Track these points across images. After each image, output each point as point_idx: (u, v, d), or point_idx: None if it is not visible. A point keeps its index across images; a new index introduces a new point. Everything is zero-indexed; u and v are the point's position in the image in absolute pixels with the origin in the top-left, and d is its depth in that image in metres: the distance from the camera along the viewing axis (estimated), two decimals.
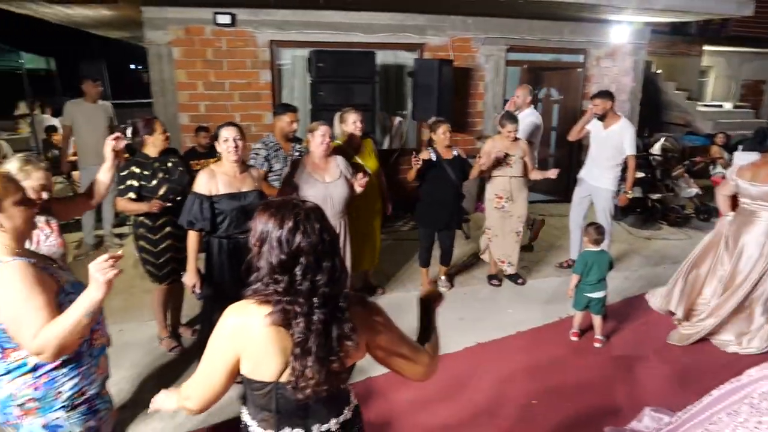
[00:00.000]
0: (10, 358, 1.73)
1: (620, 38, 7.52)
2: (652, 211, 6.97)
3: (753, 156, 4.29)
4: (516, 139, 4.71)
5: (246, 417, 1.56)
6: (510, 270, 4.95)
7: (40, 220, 2.42)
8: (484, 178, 4.83)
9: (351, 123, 4.22)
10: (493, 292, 4.90)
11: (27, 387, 1.74)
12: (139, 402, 3.25)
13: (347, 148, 4.27)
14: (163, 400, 1.69)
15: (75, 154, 6.05)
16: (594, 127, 5.07)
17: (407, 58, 6.97)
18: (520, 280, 5.02)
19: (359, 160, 4.34)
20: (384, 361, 1.57)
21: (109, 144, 2.69)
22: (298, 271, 1.36)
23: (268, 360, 1.39)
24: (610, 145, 4.95)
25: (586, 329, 4.04)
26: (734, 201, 4.04)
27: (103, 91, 6.08)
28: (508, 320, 4.32)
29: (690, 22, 11.01)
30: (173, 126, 5.99)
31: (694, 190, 6.93)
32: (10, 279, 1.63)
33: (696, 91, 12.59)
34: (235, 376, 1.46)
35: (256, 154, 4.10)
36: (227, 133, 3.12)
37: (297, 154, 4.13)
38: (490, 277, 5.04)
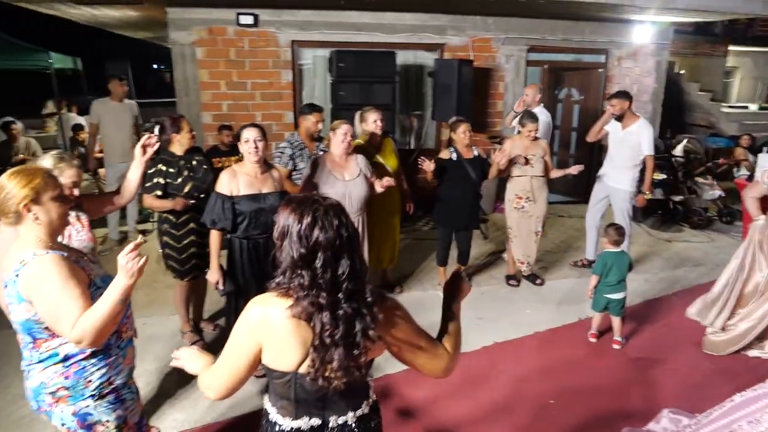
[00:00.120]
0: (42, 348, 1.79)
1: (642, 38, 7.45)
2: (674, 213, 6.89)
3: None
4: (536, 138, 4.71)
5: (267, 404, 1.60)
6: (527, 270, 4.95)
7: (71, 215, 2.49)
8: (504, 178, 4.83)
9: (372, 122, 4.25)
10: (511, 292, 4.90)
11: (58, 376, 1.80)
12: (161, 394, 3.34)
13: (368, 147, 4.32)
14: (187, 358, 1.69)
15: (101, 152, 6.19)
16: (612, 127, 5.05)
17: (427, 58, 6.98)
18: (538, 281, 5.01)
19: (380, 159, 4.38)
20: (402, 356, 1.57)
21: (141, 143, 2.72)
22: (318, 264, 1.38)
23: (289, 351, 1.42)
24: (627, 145, 4.93)
25: (605, 331, 4.03)
26: (763, 204, 3.96)
27: (129, 90, 6.21)
28: (526, 320, 4.32)
29: (715, 22, 10.83)
30: (196, 125, 6.09)
31: (717, 193, 6.83)
32: (46, 271, 1.68)
33: (720, 92, 12.38)
34: (255, 366, 1.50)
35: (281, 152, 4.16)
36: (248, 134, 3.16)
37: (321, 153, 4.19)
38: (509, 278, 5.04)
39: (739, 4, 6.48)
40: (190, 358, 1.67)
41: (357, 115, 4.42)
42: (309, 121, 4.23)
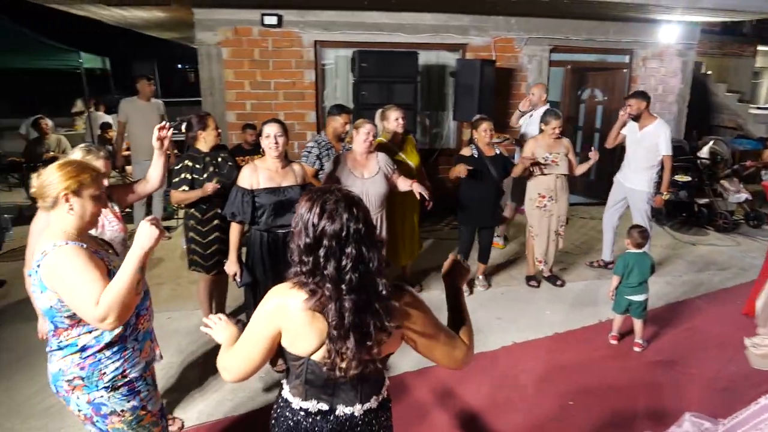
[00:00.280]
0: (62, 337, 1.85)
1: (668, 38, 7.35)
2: (699, 216, 6.79)
3: None
4: (559, 136, 4.69)
5: (284, 381, 1.67)
6: (545, 269, 4.93)
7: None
8: (525, 177, 4.82)
9: (393, 120, 4.28)
10: (531, 293, 4.88)
11: (74, 366, 1.85)
12: (184, 386, 3.41)
13: (391, 145, 4.35)
14: (217, 327, 1.72)
15: (128, 150, 6.33)
16: (629, 128, 5.05)
17: (449, 58, 6.99)
18: (559, 282, 4.99)
19: (403, 156, 4.40)
20: (420, 349, 1.59)
21: (155, 136, 2.76)
22: (321, 253, 1.41)
23: (305, 338, 1.47)
24: (644, 146, 4.92)
25: (626, 333, 3.99)
26: None
27: (155, 89, 6.34)
28: (546, 321, 4.31)
29: (743, 22, 10.62)
30: (221, 123, 6.15)
31: (744, 196, 6.70)
32: (64, 260, 1.73)
33: (748, 93, 12.12)
34: (272, 352, 1.54)
35: (308, 152, 4.23)
36: (269, 130, 3.21)
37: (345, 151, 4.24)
38: (529, 278, 5.03)
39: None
40: (218, 327, 1.71)
41: (378, 113, 4.45)
42: (337, 122, 4.30)
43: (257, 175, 3.25)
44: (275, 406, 1.69)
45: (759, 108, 11.88)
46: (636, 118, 4.92)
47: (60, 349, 1.87)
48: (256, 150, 5.38)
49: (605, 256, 5.40)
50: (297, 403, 1.59)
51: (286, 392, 1.64)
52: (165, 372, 3.56)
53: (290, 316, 1.47)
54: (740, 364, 3.69)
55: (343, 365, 1.44)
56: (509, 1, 5.89)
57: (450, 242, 6.03)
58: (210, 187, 3.48)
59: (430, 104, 7.21)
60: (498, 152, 4.55)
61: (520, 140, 5.74)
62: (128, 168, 6.77)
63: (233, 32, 6.27)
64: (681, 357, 3.80)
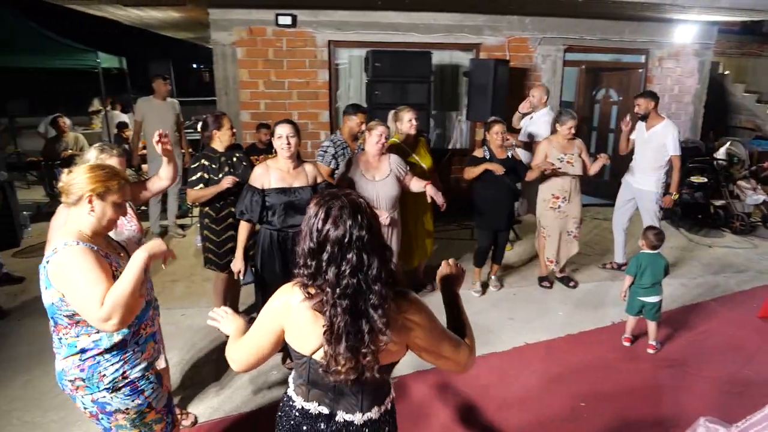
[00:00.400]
0: (61, 334, 1.87)
1: (685, 38, 7.27)
2: (715, 217, 6.71)
3: None
4: (573, 137, 4.67)
5: (290, 379, 1.70)
6: (556, 269, 4.91)
7: None
8: (539, 179, 4.79)
9: (407, 121, 4.29)
10: (544, 294, 4.86)
11: (75, 367, 1.88)
12: (197, 383, 3.45)
13: (404, 146, 4.36)
14: (224, 319, 1.77)
15: (144, 149, 6.41)
16: (637, 129, 5.06)
17: (463, 58, 6.98)
18: (572, 284, 4.96)
19: (416, 158, 4.41)
20: (424, 357, 1.59)
21: (155, 141, 2.75)
22: (324, 258, 1.42)
23: (307, 337, 1.49)
24: (652, 146, 4.93)
25: (640, 335, 3.97)
26: None
27: (171, 89, 6.41)
28: (558, 322, 4.29)
29: (762, 21, 10.45)
30: (235, 123, 6.18)
31: (761, 197, 6.61)
32: (72, 260, 1.76)
33: (767, 93, 11.92)
34: (277, 347, 1.59)
35: (324, 151, 4.26)
36: (281, 130, 3.23)
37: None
38: (541, 279, 5.01)
39: None
40: (225, 320, 1.77)
41: (391, 114, 4.46)
42: (353, 122, 4.33)
43: (269, 175, 3.27)
44: (281, 404, 1.71)
45: None
46: (644, 118, 4.94)
47: (61, 347, 1.90)
48: (270, 149, 5.41)
49: (618, 257, 5.36)
50: (299, 402, 1.61)
51: (290, 390, 1.67)
52: (179, 368, 3.61)
53: (294, 314, 1.50)
54: (756, 368, 3.66)
55: (338, 368, 1.45)
56: (523, 1, 5.87)
57: (462, 242, 6.03)
58: (229, 180, 3.52)
59: (443, 104, 7.21)
60: (510, 155, 4.53)
61: (530, 143, 5.71)
62: (144, 166, 6.85)
63: (248, 32, 6.32)
64: (695, 360, 3.76)
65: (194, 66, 22.00)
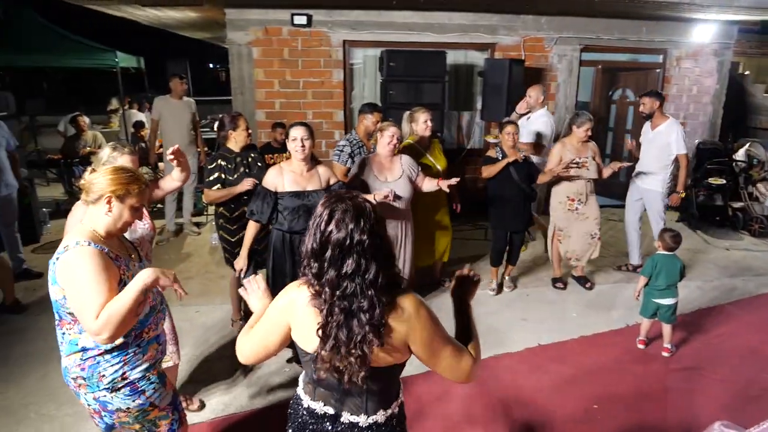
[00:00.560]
0: (65, 328, 1.90)
1: (703, 37, 7.17)
2: (733, 220, 6.61)
3: None
4: (587, 139, 4.63)
5: (300, 377, 1.72)
6: (576, 265, 4.87)
7: None
8: (554, 182, 4.75)
9: (422, 122, 4.29)
10: (558, 295, 4.83)
11: (76, 366, 1.90)
12: (210, 379, 3.49)
13: (418, 147, 4.36)
14: (254, 294, 1.75)
15: (161, 147, 6.48)
16: (643, 129, 5.09)
17: (477, 58, 6.95)
18: (588, 285, 4.92)
19: (431, 159, 4.41)
20: (425, 362, 1.57)
21: (170, 154, 2.77)
22: (325, 258, 1.45)
23: (309, 335, 1.51)
24: (656, 145, 4.94)
25: (654, 338, 3.92)
26: None
27: (187, 88, 6.48)
28: (572, 324, 4.26)
29: None
30: (250, 122, 6.25)
31: None
32: (80, 261, 1.77)
33: None
34: (283, 343, 1.61)
35: (341, 150, 4.28)
36: (296, 133, 3.25)
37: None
38: (555, 280, 4.98)
39: None
40: (255, 295, 1.75)
41: (406, 116, 4.46)
42: (369, 121, 4.35)
43: (282, 178, 3.30)
44: (291, 401, 1.74)
45: None
46: (649, 117, 4.98)
47: (63, 343, 1.92)
48: (284, 148, 5.43)
49: (633, 259, 5.32)
50: (306, 401, 1.63)
51: (299, 388, 1.69)
52: (191, 364, 3.65)
53: (299, 312, 1.53)
54: None
55: (325, 366, 1.47)
56: (539, 0, 5.84)
57: (475, 242, 6.02)
58: (248, 182, 3.55)
59: (457, 104, 7.18)
60: (523, 156, 4.51)
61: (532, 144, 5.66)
62: (161, 164, 6.93)
63: (264, 32, 6.36)
64: (711, 363, 3.71)
65: (210, 65, 22.21)
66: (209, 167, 3.65)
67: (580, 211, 4.69)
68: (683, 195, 5.06)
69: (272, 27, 6.36)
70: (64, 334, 1.91)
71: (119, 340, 1.88)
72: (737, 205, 6.57)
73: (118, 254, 1.93)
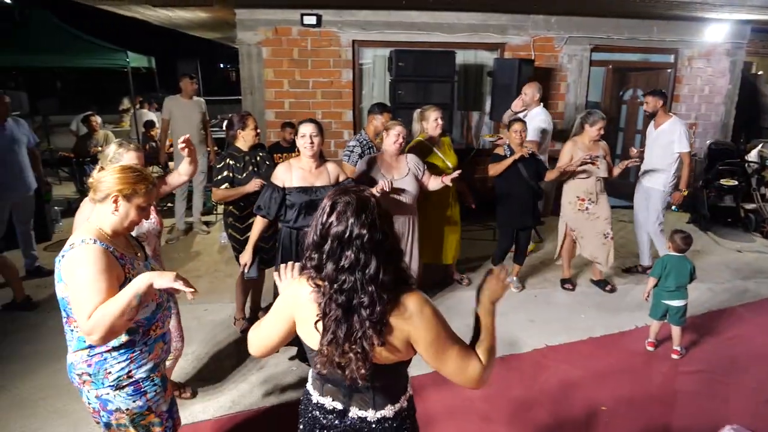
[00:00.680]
0: (73, 325, 1.91)
1: (715, 37, 7.10)
2: (745, 221, 6.55)
3: None
4: (599, 139, 4.61)
5: (309, 373, 1.73)
6: (601, 268, 4.83)
7: None
8: (563, 181, 4.74)
9: (432, 120, 4.30)
10: (566, 296, 4.81)
11: (82, 362, 1.91)
12: (217, 377, 3.51)
13: (428, 144, 4.37)
14: (285, 283, 1.70)
15: (171, 146, 6.53)
16: (648, 129, 5.12)
17: (487, 58, 6.94)
18: (608, 287, 4.87)
19: (440, 154, 4.41)
20: (429, 362, 1.52)
21: (180, 144, 2.83)
22: (324, 251, 1.44)
23: (312, 330, 1.50)
24: (660, 144, 4.95)
25: (664, 340, 3.89)
26: None
27: (198, 88, 6.52)
28: (581, 325, 4.24)
29: None
30: (260, 121, 6.32)
31: None
32: (84, 259, 1.78)
33: None
34: (288, 337, 1.62)
35: (351, 151, 4.30)
36: (305, 129, 3.26)
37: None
38: (563, 281, 4.95)
39: None
40: (287, 282, 1.69)
41: (416, 113, 4.47)
42: (378, 121, 4.37)
43: (291, 174, 3.31)
44: (302, 397, 1.75)
45: None
46: (652, 115, 5.02)
47: (72, 340, 1.93)
48: (293, 148, 5.47)
49: (643, 260, 5.28)
50: (315, 397, 1.64)
51: (309, 384, 1.71)
52: (199, 361, 3.68)
53: (302, 306, 1.53)
54: None
55: (324, 360, 1.47)
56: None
57: (482, 243, 6.00)
58: (256, 183, 3.57)
59: (467, 104, 7.17)
60: (530, 152, 4.50)
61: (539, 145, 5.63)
62: (171, 164, 6.98)
63: (273, 32, 6.39)
64: (721, 367, 3.67)
65: (221, 65, 22.34)
66: (218, 166, 3.68)
67: (591, 210, 4.66)
68: (685, 193, 5.05)
69: (282, 27, 6.39)
70: (72, 331, 1.92)
71: (125, 338, 1.89)
72: (749, 206, 6.51)
73: (124, 253, 1.93)
